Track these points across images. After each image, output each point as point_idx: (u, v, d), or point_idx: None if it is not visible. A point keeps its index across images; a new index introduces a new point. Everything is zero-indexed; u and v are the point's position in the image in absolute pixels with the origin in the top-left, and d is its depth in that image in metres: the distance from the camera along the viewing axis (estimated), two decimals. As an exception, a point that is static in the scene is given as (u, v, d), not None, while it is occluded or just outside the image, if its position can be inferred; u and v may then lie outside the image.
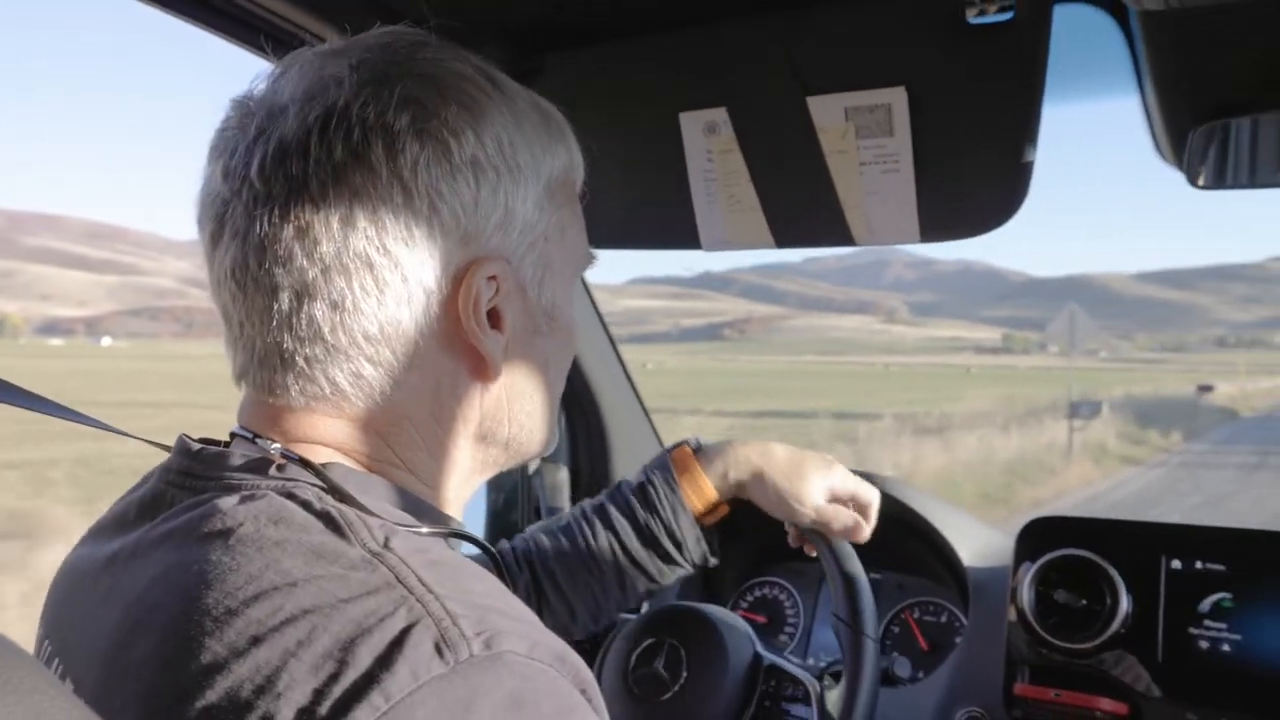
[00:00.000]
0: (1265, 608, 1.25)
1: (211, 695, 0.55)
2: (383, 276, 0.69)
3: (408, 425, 0.75)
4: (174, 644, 0.59)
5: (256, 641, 0.56)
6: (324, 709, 0.53)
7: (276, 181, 0.69)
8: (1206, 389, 58.66)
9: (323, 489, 0.69)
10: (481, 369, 0.76)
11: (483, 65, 0.77)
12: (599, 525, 1.20)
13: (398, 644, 0.56)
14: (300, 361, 0.71)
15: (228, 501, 0.66)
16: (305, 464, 0.70)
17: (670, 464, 1.21)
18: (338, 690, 0.54)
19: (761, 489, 1.20)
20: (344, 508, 0.66)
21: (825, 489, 1.21)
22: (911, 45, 1.21)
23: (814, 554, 1.26)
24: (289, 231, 0.68)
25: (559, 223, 0.81)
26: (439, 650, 0.56)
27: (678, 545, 1.18)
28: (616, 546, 1.18)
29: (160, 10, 1.15)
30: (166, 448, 0.82)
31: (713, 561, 1.22)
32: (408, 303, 0.71)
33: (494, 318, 0.76)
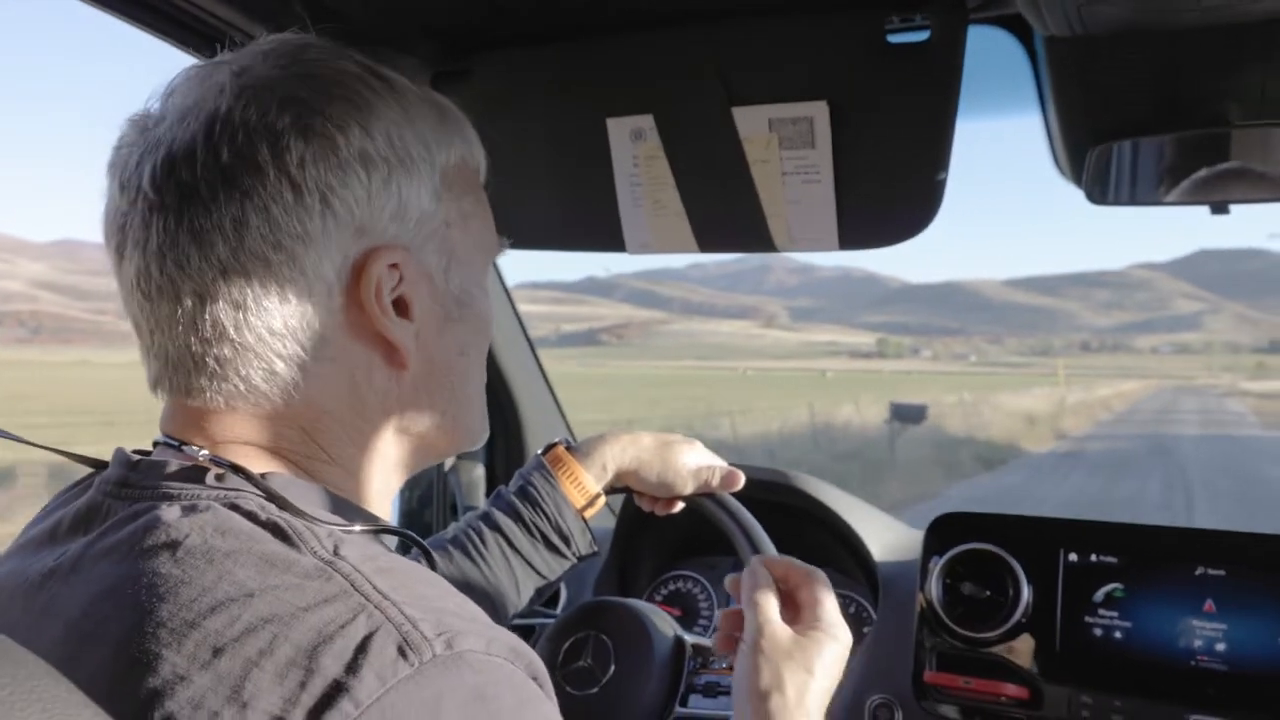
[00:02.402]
0: (1152, 596, 1.34)
1: (172, 705, 0.56)
2: (281, 273, 0.71)
3: (328, 419, 0.76)
4: (129, 657, 0.59)
5: (217, 652, 0.57)
6: (295, 716, 0.55)
7: (169, 191, 0.70)
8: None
9: (264, 498, 0.69)
10: (394, 357, 0.77)
11: (369, 63, 0.79)
12: (486, 530, 1.22)
13: (362, 649, 0.57)
14: (211, 363, 0.72)
15: (170, 513, 0.67)
16: (243, 473, 0.71)
17: (547, 464, 1.24)
18: (307, 698, 0.55)
19: (641, 474, 1.25)
20: (290, 517, 0.67)
21: (693, 460, 1.27)
22: (834, 62, 1.26)
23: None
24: (184, 237, 0.70)
25: (460, 211, 0.82)
26: (403, 653, 0.58)
27: (565, 539, 1.21)
28: (506, 548, 1.21)
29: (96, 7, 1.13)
30: (96, 461, 0.82)
31: (596, 550, 1.26)
32: (309, 296, 0.72)
33: (402, 306, 0.77)
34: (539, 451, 1.28)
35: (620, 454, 1.26)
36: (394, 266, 0.75)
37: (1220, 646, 1.28)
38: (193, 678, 0.57)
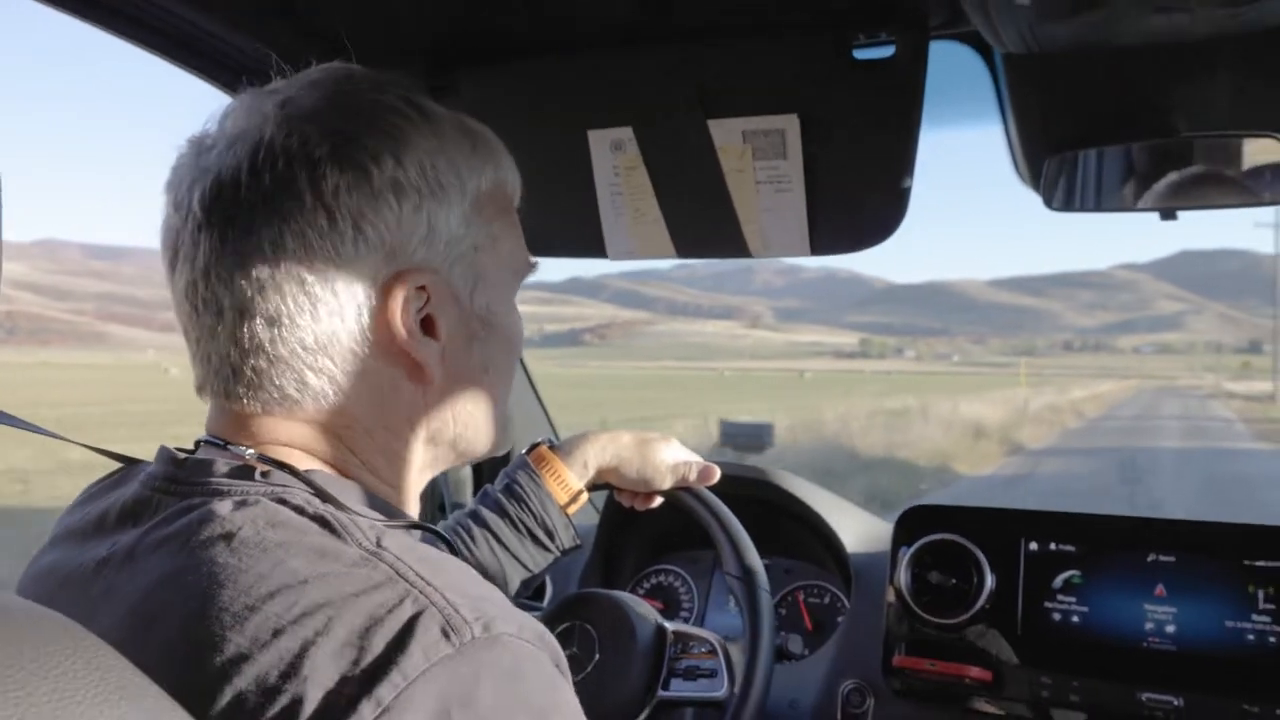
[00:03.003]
0: (1108, 582, 1.41)
1: (240, 683, 0.61)
2: (314, 292, 0.76)
3: (359, 426, 0.82)
4: (194, 640, 0.64)
5: (277, 634, 0.63)
6: (349, 689, 0.60)
7: (216, 212, 0.76)
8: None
9: (310, 493, 0.75)
10: (419, 373, 0.82)
11: (408, 94, 0.84)
12: (475, 526, 1.28)
13: (409, 630, 0.63)
14: (249, 372, 0.78)
15: (222, 507, 0.72)
16: (289, 470, 0.77)
17: (531, 463, 1.31)
18: (359, 672, 0.61)
19: (621, 471, 1.32)
20: (334, 510, 0.73)
21: (671, 457, 1.34)
22: (804, 77, 1.33)
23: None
24: (228, 256, 0.75)
25: (490, 234, 0.87)
26: (445, 634, 0.64)
27: (549, 534, 1.27)
28: (494, 543, 1.26)
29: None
30: (129, 459, 0.88)
31: (579, 545, 1.32)
32: (340, 315, 0.77)
33: (429, 325, 0.82)
34: (523, 451, 1.34)
35: (601, 452, 1.32)
36: (421, 288, 0.80)
37: (1170, 628, 1.35)
38: (256, 657, 0.62)
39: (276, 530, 0.70)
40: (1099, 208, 1.36)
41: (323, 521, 0.71)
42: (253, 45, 1.33)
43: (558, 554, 1.30)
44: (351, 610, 0.64)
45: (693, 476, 1.34)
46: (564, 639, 1.35)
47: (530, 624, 0.70)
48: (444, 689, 0.62)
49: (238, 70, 1.35)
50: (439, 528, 0.93)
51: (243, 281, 0.75)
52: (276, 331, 0.76)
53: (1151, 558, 1.39)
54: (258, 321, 0.76)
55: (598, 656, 1.32)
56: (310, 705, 0.60)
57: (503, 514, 1.28)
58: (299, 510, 0.72)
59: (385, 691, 0.60)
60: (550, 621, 1.39)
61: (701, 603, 1.86)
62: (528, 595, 1.53)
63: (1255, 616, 1.33)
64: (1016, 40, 1.20)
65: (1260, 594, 1.33)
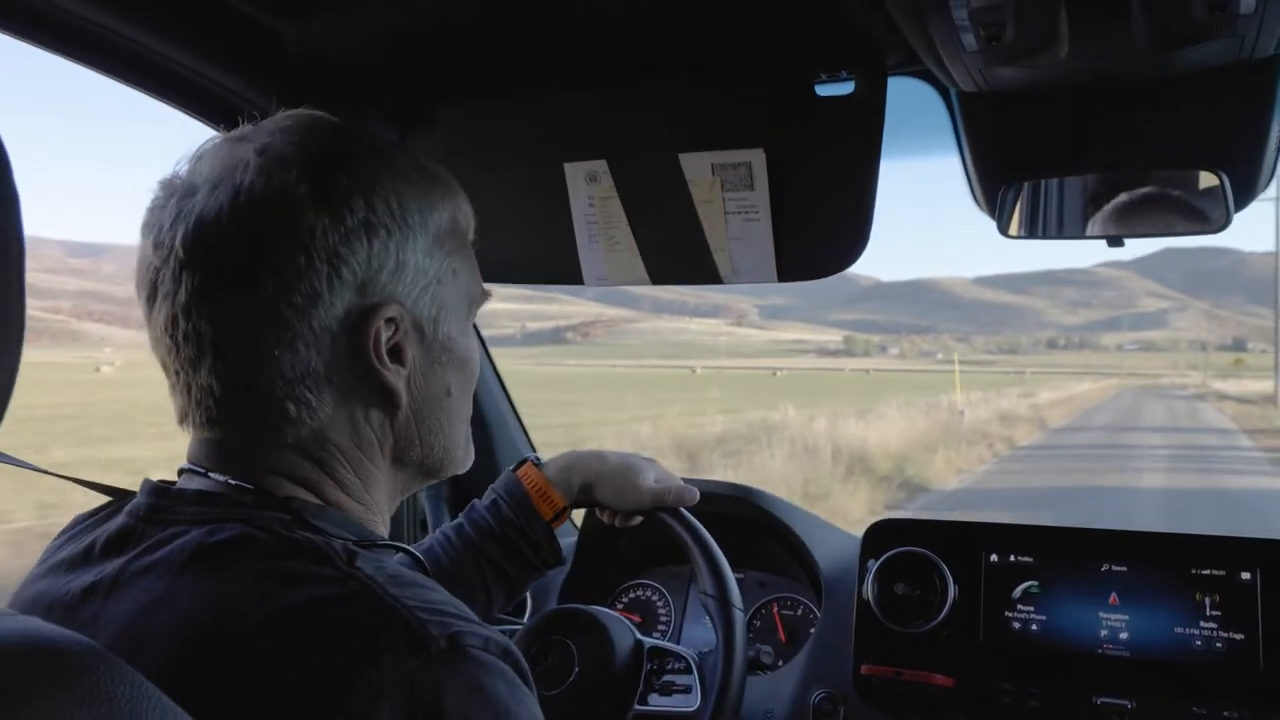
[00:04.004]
0: (1064, 592, 1.47)
1: (219, 699, 0.67)
2: (292, 326, 0.81)
3: (335, 450, 0.87)
4: (177, 659, 0.70)
5: (253, 652, 0.68)
6: (322, 701, 0.66)
7: (197, 252, 0.80)
8: None
9: (287, 518, 0.80)
10: (389, 399, 0.88)
11: (373, 139, 0.90)
12: (460, 542, 1.32)
13: (377, 644, 0.68)
14: (228, 403, 0.83)
15: (203, 534, 0.77)
16: (268, 496, 0.82)
17: (518, 479, 1.35)
18: (332, 685, 0.66)
19: (604, 490, 1.38)
20: (309, 534, 0.78)
21: (652, 477, 1.40)
22: (769, 112, 1.39)
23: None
24: (210, 294, 0.80)
25: (450, 266, 0.92)
26: (413, 648, 0.69)
27: (534, 549, 1.32)
28: (480, 559, 1.31)
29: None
30: (116, 490, 0.92)
31: (563, 561, 1.37)
32: (316, 348, 0.82)
33: (397, 353, 0.87)
34: (510, 468, 1.38)
35: (585, 470, 1.37)
36: (391, 320, 0.85)
37: (1124, 635, 1.42)
38: (233, 674, 0.68)
39: (254, 555, 0.75)
40: (1050, 235, 1.43)
41: (298, 545, 0.77)
42: (232, 80, 1.37)
43: (542, 570, 1.35)
44: (324, 627, 0.69)
45: (672, 498, 1.39)
46: (542, 654, 1.40)
47: (496, 638, 0.75)
48: (410, 700, 0.67)
49: (216, 103, 1.39)
50: (411, 547, 0.98)
51: (222, 317, 0.80)
52: (257, 364, 0.81)
53: (1105, 568, 1.46)
54: (239, 354, 0.81)
55: (576, 670, 1.37)
56: (285, 717, 0.66)
57: (487, 529, 1.32)
58: (276, 535, 0.77)
59: (356, 703, 0.66)
60: (529, 636, 1.44)
61: (679, 616, 1.91)
62: (509, 610, 1.58)
63: (1203, 623, 1.40)
64: (967, 80, 1.27)
65: (1207, 601, 1.40)
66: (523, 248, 1.63)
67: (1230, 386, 77.03)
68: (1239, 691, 1.36)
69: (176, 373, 0.85)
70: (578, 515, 1.94)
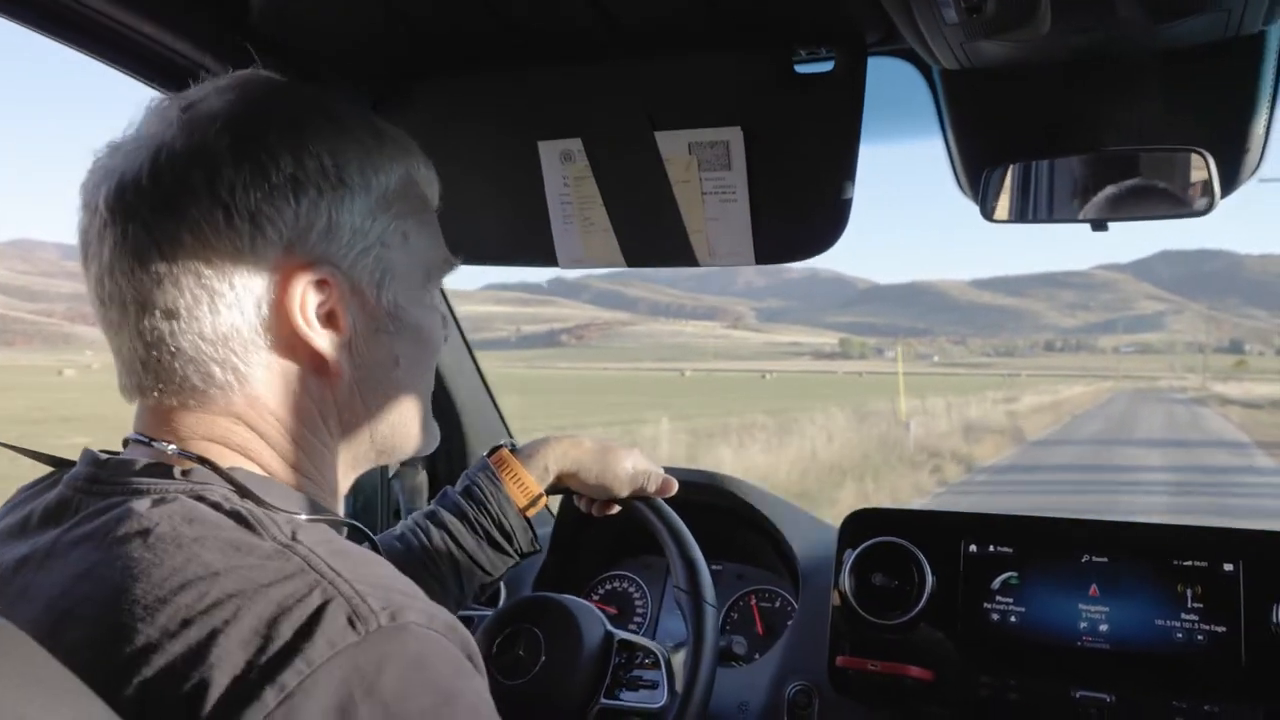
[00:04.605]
0: (1044, 583, 1.44)
1: (148, 671, 0.64)
2: (211, 286, 0.78)
3: (272, 419, 0.84)
4: (107, 631, 0.66)
5: (187, 624, 0.65)
6: (254, 675, 0.63)
7: (118, 209, 0.78)
8: None
9: (229, 489, 0.77)
10: (322, 365, 0.84)
11: (312, 93, 0.87)
12: (433, 528, 1.28)
13: (315, 619, 0.65)
14: (154, 365, 0.80)
15: (140, 505, 0.74)
16: (209, 466, 0.79)
17: (492, 465, 1.32)
18: (265, 659, 0.63)
19: (581, 477, 1.34)
20: (252, 506, 0.75)
21: (631, 466, 1.36)
22: (747, 90, 1.36)
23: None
24: (128, 252, 0.78)
25: (399, 230, 0.88)
26: (351, 623, 0.66)
27: (507, 537, 1.28)
28: (452, 544, 1.27)
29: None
30: (59, 460, 0.89)
31: (538, 548, 1.33)
32: (239, 308, 0.79)
33: (332, 319, 0.84)
34: (484, 453, 1.35)
35: (562, 457, 1.34)
36: (323, 282, 0.82)
37: (1103, 627, 1.39)
38: (165, 646, 0.64)
39: (192, 526, 0.72)
40: (1033, 219, 1.39)
41: (239, 517, 0.74)
42: (204, 56, 1.34)
43: (515, 557, 1.31)
44: (261, 600, 0.66)
45: (651, 488, 1.36)
46: (510, 642, 1.37)
47: (440, 614, 0.72)
48: (347, 675, 0.64)
49: (179, 75, 1.36)
50: (359, 524, 0.95)
51: (142, 276, 0.78)
52: (175, 324, 0.78)
53: (1085, 559, 1.43)
54: (156, 315, 0.78)
55: (543, 660, 1.34)
56: (216, 691, 0.62)
57: (461, 515, 1.29)
58: (216, 506, 0.75)
59: (289, 677, 0.62)
60: (498, 624, 1.41)
61: (655, 608, 1.88)
62: (484, 599, 1.55)
63: (1184, 615, 1.37)
64: (949, 57, 1.24)
65: (1189, 593, 1.37)
66: (496, 229, 1.60)
67: (1232, 389, 72.88)
68: (1220, 685, 1.33)
69: (110, 337, 0.82)
70: (555, 503, 1.92)
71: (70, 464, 0.87)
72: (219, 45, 1.34)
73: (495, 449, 1.35)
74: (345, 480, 0.93)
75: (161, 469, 0.78)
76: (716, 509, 1.79)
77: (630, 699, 1.38)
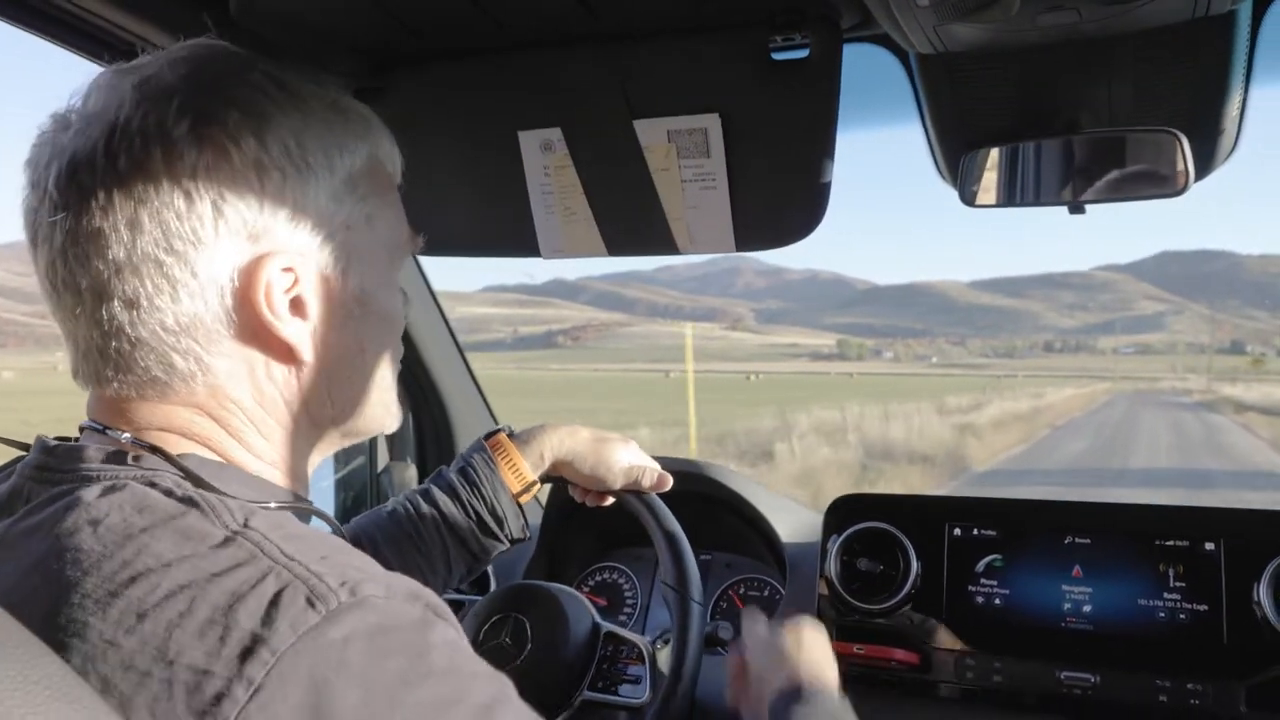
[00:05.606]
0: (1028, 565, 1.45)
1: (105, 669, 0.62)
2: (173, 274, 0.75)
3: (235, 407, 0.82)
4: (58, 628, 0.65)
5: (141, 618, 0.63)
6: (217, 668, 0.61)
7: (71, 193, 0.74)
8: None
9: (181, 476, 0.75)
10: (288, 354, 0.82)
11: (273, 72, 0.82)
12: (424, 506, 1.27)
13: (274, 604, 0.64)
14: (113, 355, 0.77)
15: (90, 493, 0.72)
16: (161, 453, 0.76)
17: (488, 448, 1.31)
18: (228, 650, 0.62)
19: (576, 466, 1.33)
20: (203, 493, 0.73)
21: (627, 458, 1.36)
22: (724, 77, 1.37)
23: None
24: (84, 237, 0.74)
25: (364, 212, 0.85)
26: (311, 603, 0.65)
27: (499, 522, 1.27)
28: (442, 525, 1.26)
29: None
30: (23, 445, 0.86)
31: (528, 535, 1.33)
32: (202, 297, 0.76)
33: (298, 305, 0.81)
34: (481, 436, 1.34)
35: (558, 445, 1.33)
36: (288, 269, 0.79)
37: (1087, 608, 1.40)
38: (120, 642, 0.63)
39: (142, 515, 0.70)
40: (1011, 202, 1.40)
41: (190, 503, 0.72)
42: (161, 36, 1.34)
43: (506, 543, 1.30)
44: (214, 590, 0.64)
45: (646, 483, 1.36)
46: (497, 629, 1.38)
47: (400, 582, 0.71)
48: (314, 660, 0.62)
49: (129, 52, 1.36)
50: (319, 507, 0.92)
51: (99, 263, 0.74)
52: (135, 314, 0.75)
53: (1069, 540, 1.43)
54: (115, 304, 0.75)
55: (529, 648, 1.34)
56: (181, 689, 0.61)
57: (454, 496, 1.28)
58: (167, 493, 0.72)
59: (255, 670, 0.61)
60: (485, 611, 1.41)
61: (645, 599, 1.89)
62: (470, 582, 1.55)
63: (1166, 595, 1.37)
64: (924, 41, 1.24)
65: (1171, 573, 1.38)
66: (476, 220, 1.60)
67: (1244, 392, 66.18)
68: (1203, 664, 1.33)
69: (62, 323, 0.80)
70: (544, 494, 1.92)
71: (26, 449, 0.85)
72: (194, 34, 1.34)
73: (493, 432, 1.35)
74: (311, 464, 0.92)
75: (113, 455, 0.77)
76: (703, 497, 1.80)
77: (614, 692, 1.38)
